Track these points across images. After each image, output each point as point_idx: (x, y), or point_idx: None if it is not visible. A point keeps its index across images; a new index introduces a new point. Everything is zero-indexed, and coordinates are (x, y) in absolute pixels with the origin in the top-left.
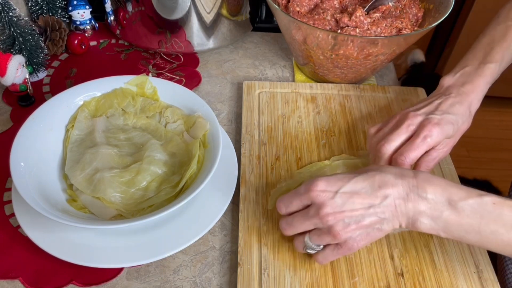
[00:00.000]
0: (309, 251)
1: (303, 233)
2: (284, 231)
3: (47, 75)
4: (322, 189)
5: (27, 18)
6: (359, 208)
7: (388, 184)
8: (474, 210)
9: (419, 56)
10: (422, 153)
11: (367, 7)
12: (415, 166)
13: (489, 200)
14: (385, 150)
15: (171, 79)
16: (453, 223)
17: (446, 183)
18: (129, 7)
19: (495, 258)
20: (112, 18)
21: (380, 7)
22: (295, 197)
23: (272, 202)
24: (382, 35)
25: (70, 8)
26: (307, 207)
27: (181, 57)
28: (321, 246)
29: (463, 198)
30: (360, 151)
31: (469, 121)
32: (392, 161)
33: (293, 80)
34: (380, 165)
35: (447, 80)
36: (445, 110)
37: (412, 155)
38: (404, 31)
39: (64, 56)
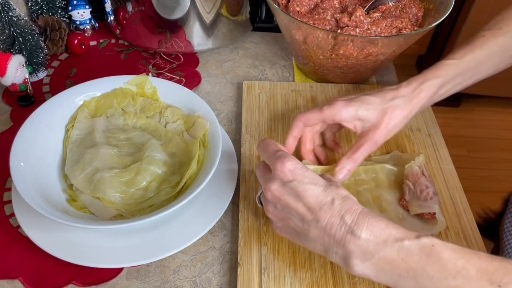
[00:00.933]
0: (258, 201)
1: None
2: (256, 171)
3: (47, 75)
4: (287, 169)
5: (27, 18)
6: (294, 207)
7: (326, 209)
8: (410, 253)
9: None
10: (317, 120)
11: (367, 7)
12: (339, 161)
13: (428, 242)
14: (296, 116)
15: (171, 79)
16: (385, 267)
17: (386, 224)
18: (129, 7)
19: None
20: (112, 18)
21: (380, 7)
22: (269, 154)
23: None
24: (382, 35)
25: (70, 8)
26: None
27: (181, 57)
28: (260, 205)
29: (400, 239)
30: (374, 156)
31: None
32: (294, 119)
33: (293, 80)
34: (336, 184)
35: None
36: (368, 93)
37: (307, 115)
38: (404, 31)
39: (64, 56)
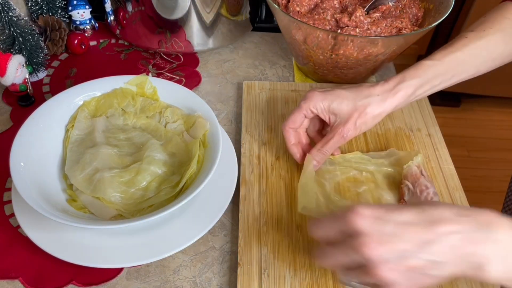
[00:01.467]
0: None
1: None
2: (319, 262)
3: (47, 75)
4: (366, 214)
5: (27, 18)
6: (410, 241)
7: (446, 220)
8: None
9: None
10: (300, 118)
11: (367, 7)
12: (309, 152)
13: None
14: (282, 127)
15: (171, 79)
16: None
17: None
18: (129, 7)
19: None
20: (112, 18)
21: (380, 7)
22: (330, 221)
23: (302, 199)
24: (382, 35)
25: (70, 8)
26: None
27: (181, 57)
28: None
29: None
30: (370, 152)
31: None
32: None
33: (293, 80)
34: (433, 201)
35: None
36: (345, 87)
37: (290, 119)
38: (404, 31)
39: (64, 56)
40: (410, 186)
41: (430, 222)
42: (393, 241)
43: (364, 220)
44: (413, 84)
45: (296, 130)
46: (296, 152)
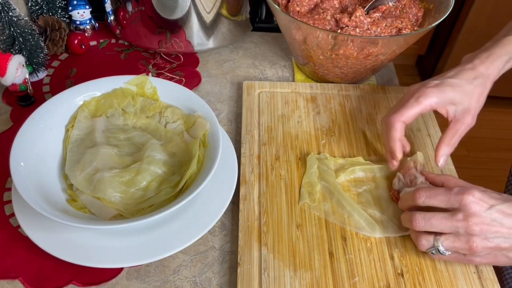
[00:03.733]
0: (433, 252)
1: (431, 233)
2: (416, 225)
3: (47, 75)
4: (479, 198)
5: (27, 18)
6: (507, 227)
7: None
8: None
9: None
10: (417, 113)
11: (367, 7)
12: (438, 144)
13: None
14: (392, 118)
15: (171, 79)
16: None
17: None
18: (129, 7)
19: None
20: (112, 18)
21: (380, 7)
22: (444, 194)
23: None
24: (382, 35)
25: (70, 8)
26: (450, 210)
27: (181, 57)
28: (449, 252)
29: None
30: (372, 156)
31: (485, 86)
32: (388, 123)
33: (293, 80)
34: None
35: (465, 56)
36: (449, 75)
37: (405, 113)
38: (404, 31)
39: (64, 56)
40: (401, 176)
41: None
42: (494, 224)
43: (477, 203)
44: (503, 60)
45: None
46: (400, 150)
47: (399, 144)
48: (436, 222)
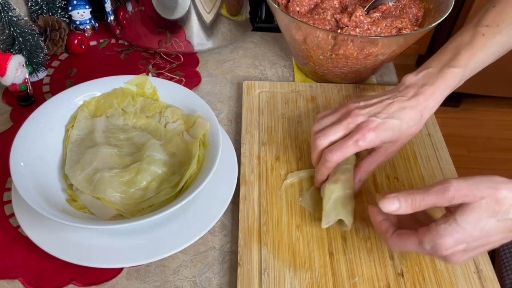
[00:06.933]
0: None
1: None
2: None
3: (47, 75)
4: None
5: (27, 18)
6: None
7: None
8: None
9: None
10: (350, 154)
11: (367, 7)
12: (356, 169)
13: None
14: (319, 143)
15: (171, 79)
16: None
17: None
18: (129, 7)
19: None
20: (112, 18)
21: (380, 7)
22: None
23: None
24: (382, 35)
25: (70, 8)
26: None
27: (181, 57)
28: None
29: None
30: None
31: (420, 125)
32: (322, 155)
33: (293, 80)
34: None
35: (408, 79)
36: (391, 113)
37: (339, 154)
38: (404, 31)
39: (64, 56)
40: None
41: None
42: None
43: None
44: (445, 93)
45: None
46: (323, 180)
47: (325, 175)
48: (406, 244)
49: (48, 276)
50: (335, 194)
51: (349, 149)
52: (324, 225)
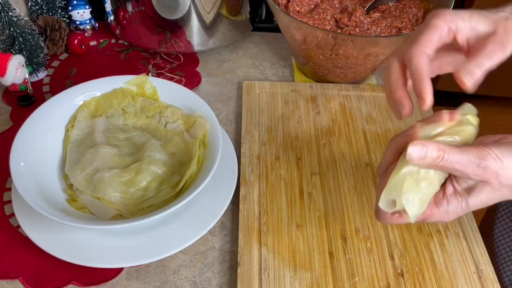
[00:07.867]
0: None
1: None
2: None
3: (47, 75)
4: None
5: (27, 18)
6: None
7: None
8: None
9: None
10: (435, 39)
11: (367, 7)
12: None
13: None
14: (411, 51)
15: (171, 79)
16: None
17: None
18: (129, 7)
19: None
20: (112, 18)
21: (380, 7)
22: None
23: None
24: (382, 35)
25: (70, 8)
26: None
27: (181, 57)
28: None
29: None
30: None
31: None
32: (408, 58)
33: (293, 80)
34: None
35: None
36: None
37: (421, 41)
38: (404, 31)
39: (64, 56)
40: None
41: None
42: None
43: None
44: None
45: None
46: (431, 89)
47: (427, 81)
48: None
49: (48, 276)
50: (409, 168)
51: (426, 35)
52: (380, 203)
